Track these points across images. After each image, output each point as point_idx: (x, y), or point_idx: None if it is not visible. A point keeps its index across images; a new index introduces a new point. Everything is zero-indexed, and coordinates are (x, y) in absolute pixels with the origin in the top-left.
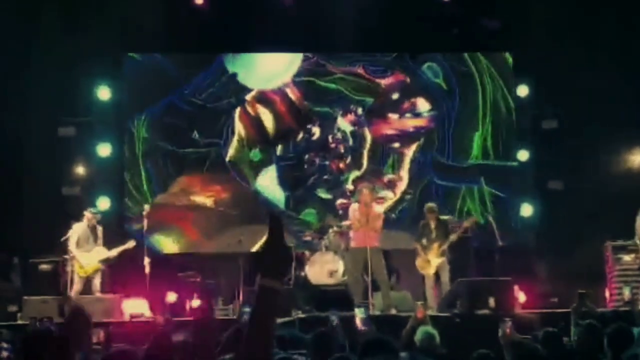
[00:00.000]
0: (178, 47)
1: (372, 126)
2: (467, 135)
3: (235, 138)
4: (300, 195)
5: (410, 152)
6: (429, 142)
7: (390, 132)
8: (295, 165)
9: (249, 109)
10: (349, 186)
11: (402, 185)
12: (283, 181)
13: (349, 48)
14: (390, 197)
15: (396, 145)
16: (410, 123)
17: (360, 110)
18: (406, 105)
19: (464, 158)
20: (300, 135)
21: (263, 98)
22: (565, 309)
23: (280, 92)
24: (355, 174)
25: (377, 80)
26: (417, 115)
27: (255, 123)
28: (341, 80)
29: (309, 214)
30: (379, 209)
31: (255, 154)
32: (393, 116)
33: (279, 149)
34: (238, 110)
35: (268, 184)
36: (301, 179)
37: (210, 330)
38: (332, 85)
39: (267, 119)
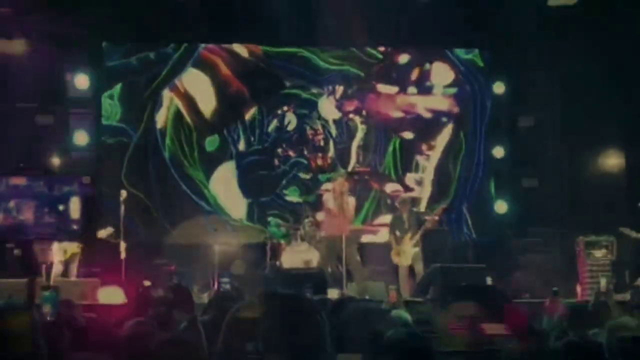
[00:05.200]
0: (157, 37)
1: (366, 103)
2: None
3: (169, 122)
4: (266, 202)
5: (435, 152)
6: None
7: (395, 114)
8: (262, 162)
9: (178, 84)
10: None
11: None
12: (245, 183)
13: (341, 43)
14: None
15: (407, 135)
16: (424, 103)
17: (341, 90)
18: (415, 74)
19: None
20: (274, 123)
21: (201, 62)
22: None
23: (226, 48)
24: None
25: (378, 47)
26: (428, 90)
27: (189, 101)
28: (326, 51)
29: (275, 227)
30: (352, 199)
31: (211, 142)
32: (392, 89)
33: (242, 142)
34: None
35: (224, 186)
36: (270, 180)
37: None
38: (314, 57)
39: (203, 93)
